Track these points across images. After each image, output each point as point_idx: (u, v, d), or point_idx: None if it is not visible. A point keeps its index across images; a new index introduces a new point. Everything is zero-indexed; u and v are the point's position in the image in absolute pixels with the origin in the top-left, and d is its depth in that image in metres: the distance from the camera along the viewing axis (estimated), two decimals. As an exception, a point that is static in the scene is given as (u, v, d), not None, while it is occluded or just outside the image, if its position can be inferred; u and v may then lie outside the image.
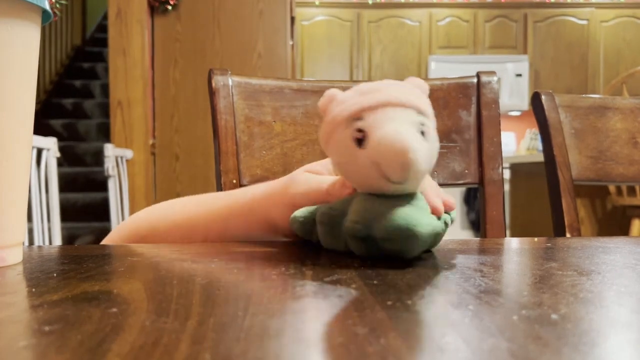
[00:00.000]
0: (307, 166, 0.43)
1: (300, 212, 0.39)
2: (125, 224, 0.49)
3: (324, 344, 0.17)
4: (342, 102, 0.34)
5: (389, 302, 0.22)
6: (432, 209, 0.35)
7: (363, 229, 0.32)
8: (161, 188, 2.41)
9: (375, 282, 0.26)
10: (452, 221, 0.38)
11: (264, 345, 0.17)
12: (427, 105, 0.34)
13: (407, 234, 0.31)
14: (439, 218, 0.35)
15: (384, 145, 0.30)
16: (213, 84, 0.68)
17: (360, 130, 0.32)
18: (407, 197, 0.33)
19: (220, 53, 2.48)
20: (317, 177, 0.41)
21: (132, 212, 2.25)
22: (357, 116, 0.32)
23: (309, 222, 0.38)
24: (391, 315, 0.20)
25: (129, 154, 2.29)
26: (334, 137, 0.34)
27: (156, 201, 2.38)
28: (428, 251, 0.37)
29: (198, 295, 0.24)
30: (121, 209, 2.11)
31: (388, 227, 0.31)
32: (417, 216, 0.31)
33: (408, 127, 0.31)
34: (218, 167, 0.66)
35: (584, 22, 4.46)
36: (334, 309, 0.21)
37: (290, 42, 2.62)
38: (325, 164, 0.43)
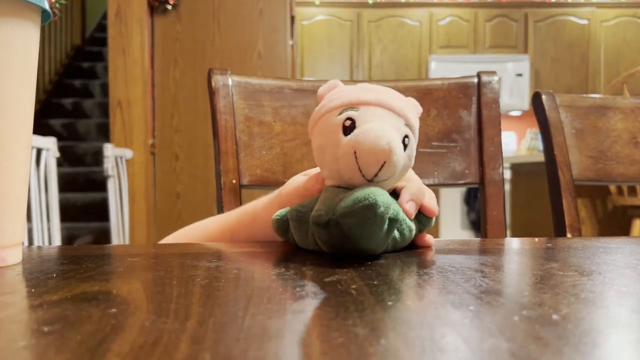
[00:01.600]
0: (306, 171, 0.44)
1: (277, 212, 0.39)
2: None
3: (324, 344, 0.17)
4: (341, 91, 0.35)
5: (389, 303, 0.22)
6: (403, 210, 0.36)
7: (325, 214, 0.33)
8: (161, 188, 2.41)
9: (375, 282, 0.26)
10: (429, 225, 0.38)
11: (264, 345, 0.17)
12: (416, 123, 0.36)
13: (365, 203, 0.30)
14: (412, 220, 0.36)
15: (368, 136, 0.32)
16: (213, 84, 0.68)
17: (350, 119, 0.33)
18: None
19: (220, 53, 2.48)
20: (303, 177, 0.41)
21: (131, 212, 2.25)
22: (352, 106, 0.34)
23: (285, 221, 0.39)
24: (391, 315, 0.20)
25: (128, 153, 2.29)
26: (323, 119, 0.35)
27: (156, 201, 2.38)
28: (403, 250, 0.37)
29: (198, 295, 0.24)
30: (121, 209, 2.11)
31: (347, 201, 0.31)
32: (377, 192, 0.31)
33: (395, 133, 0.33)
34: (218, 167, 0.66)
35: (585, 21, 4.46)
36: (334, 309, 0.21)
37: (290, 42, 2.62)
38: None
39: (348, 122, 0.33)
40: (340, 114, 0.34)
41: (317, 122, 0.36)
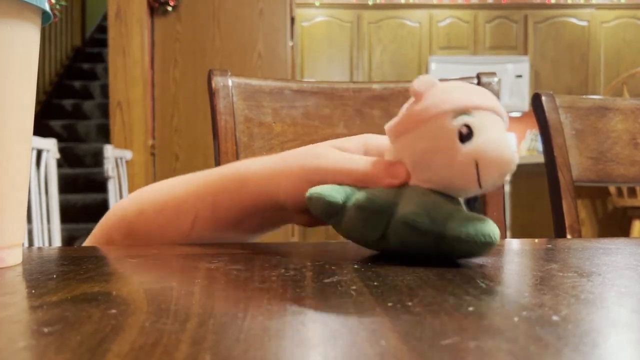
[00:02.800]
0: (333, 141, 0.38)
1: (326, 190, 0.35)
2: (113, 209, 0.45)
3: (324, 345, 0.17)
4: (447, 92, 0.33)
5: (390, 304, 0.22)
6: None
7: (427, 222, 0.31)
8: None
9: (375, 283, 0.26)
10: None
11: (264, 346, 0.17)
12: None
13: (486, 240, 0.30)
14: None
15: (492, 149, 0.31)
16: (213, 85, 0.68)
17: (467, 126, 0.31)
18: (459, 203, 0.34)
19: (220, 53, 2.48)
20: (348, 155, 0.37)
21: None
22: (467, 111, 0.32)
23: (337, 203, 0.34)
24: (392, 316, 0.20)
25: (128, 154, 2.29)
26: (433, 122, 0.32)
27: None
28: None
29: (198, 296, 0.24)
30: (121, 210, 2.12)
31: (468, 228, 0.31)
32: (491, 225, 0.31)
33: (514, 141, 0.32)
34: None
35: (585, 23, 4.46)
36: (334, 311, 0.21)
37: (290, 43, 2.62)
38: (357, 142, 0.39)
39: (465, 130, 0.31)
40: (454, 117, 0.32)
41: (424, 123, 0.33)
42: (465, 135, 0.31)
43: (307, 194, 0.35)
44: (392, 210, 0.33)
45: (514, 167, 0.31)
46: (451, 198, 0.33)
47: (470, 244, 0.30)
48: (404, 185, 0.34)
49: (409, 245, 0.33)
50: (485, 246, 0.31)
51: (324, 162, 0.36)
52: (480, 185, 0.32)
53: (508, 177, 0.34)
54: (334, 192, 0.35)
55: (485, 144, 0.31)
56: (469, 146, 0.31)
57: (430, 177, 0.33)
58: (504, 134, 0.32)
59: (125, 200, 0.45)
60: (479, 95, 0.33)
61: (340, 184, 0.35)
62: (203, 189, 0.40)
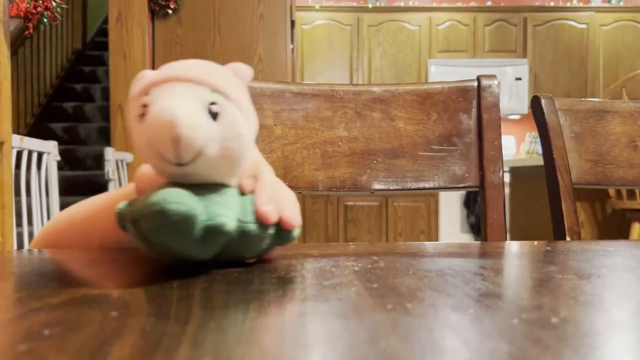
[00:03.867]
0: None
1: (119, 205, 0.33)
2: (43, 228, 0.47)
3: (324, 347, 0.17)
4: (139, 81, 0.31)
5: (389, 306, 0.22)
6: (257, 214, 0.31)
7: (124, 212, 0.29)
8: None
9: (375, 285, 0.26)
10: (290, 239, 0.33)
11: (264, 348, 0.17)
12: (231, 87, 0.31)
13: (155, 208, 0.27)
14: (264, 227, 0.31)
15: (153, 118, 0.28)
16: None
17: (144, 106, 0.29)
18: (207, 188, 0.30)
19: (221, 56, 2.49)
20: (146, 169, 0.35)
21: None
22: (146, 91, 0.30)
23: (121, 213, 0.32)
24: (391, 318, 0.20)
25: (129, 157, 2.29)
26: (130, 117, 0.31)
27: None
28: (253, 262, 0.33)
29: (198, 298, 0.24)
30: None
31: (144, 202, 0.28)
32: (178, 195, 0.27)
33: (190, 103, 0.28)
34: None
35: (584, 26, 4.47)
36: (334, 313, 0.21)
37: (291, 46, 2.63)
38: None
39: (140, 110, 0.29)
40: (135, 102, 0.30)
41: (130, 117, 0.31)
42: (142, 115, 0.29)
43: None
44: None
45: (182, 131, 0.27)
46: (187, 185, 0.29)
47: (144, 217, 0.27)
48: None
49: (141, 245, 0.29)
50: (154, 215, 0.27)
51: (133, 183, 0.36)
52: (168, 161, 0.28)
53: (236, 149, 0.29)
54: (122, 205, 0.32)
55: (149, 118, 0.28)
56: (141, 127, 0.29)
57: (155, 170, 0.31)
58: (167, 101, 0.28)
59: (54, 218, 0.47)
60: (160, 72, 0.30)
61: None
62: (109, 211, 0.41)
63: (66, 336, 0.18)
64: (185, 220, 0.27)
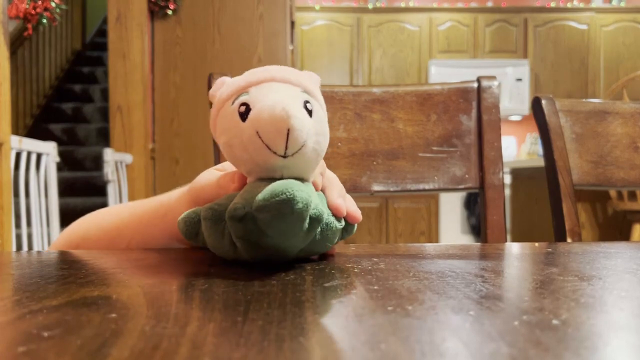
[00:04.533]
0: (221, 164, 0.41)
1: (185, 213, 0.35)
2: (63, 231, 0.49)
3: (324, 349, 0.17)
4: (228, 83, 0.34)
5: (390, 308, 0.22)
6: (332, 207, 0.34)
7: (241, 207, 0.30)
8: (161, 192, 2.42)
9: (375, 287, 0.26)
10: (352, 233, 0.36)
11: (264, 350, 0.17)
12: (316, 90, 0.34)
13: (282, 197, 0.28)
14: (338, 220, 0.34)
15: (264, 112, 0.30)
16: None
17: (245, 104, 0.31)
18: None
19: (220, 57, 2.49)
20: (217, 171, 0.39)
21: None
22: (243, 91, 0.32)
23: (193, 222, 0.35)
24: (391, 320, 0.20)
25: (128, 158, 2.29)
26: (220, 115, 0.33)
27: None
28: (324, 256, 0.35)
29: (197, 300, 0.24)
30: (121, 213, 2.11)
31: (264, 194, 0.29)
32: (296, 186, 0.29)
33: (291, 99, 0.31)
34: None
35: (584, 26, 4.48)
36: (334, 315, 0.21)
37: (290, 47, 2.63)
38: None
39: (242, 108, 0.31)
40: (233, 102, 0.32)
41: (215, 120, 0.34)
42: (245, 113, 0.31)
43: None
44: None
45: (294, 122, 0.29)
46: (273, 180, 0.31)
47: (268, 207, 0.29)
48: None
49: (244, 238, 0.31)
50: (280, 204, 0.28)
51: (197, 181, 0.38)
52: (274, 151, 0.30)
53: (310, 142, 0.31)
54: (190, 213, 0.35)
55: (257, 112, 0.30)
56: (247, 121, 0.31)
57: (244, 168, 0.33)
58: (274, 96, 0.31)
59: (76, 222, 0.49)
60: (256, 74, 0.33)
61: (212, 199, 0.35)
62: (138, 218, 0.44)
63: (65, 338, 0.18)
64: (307, 208, 0.29)
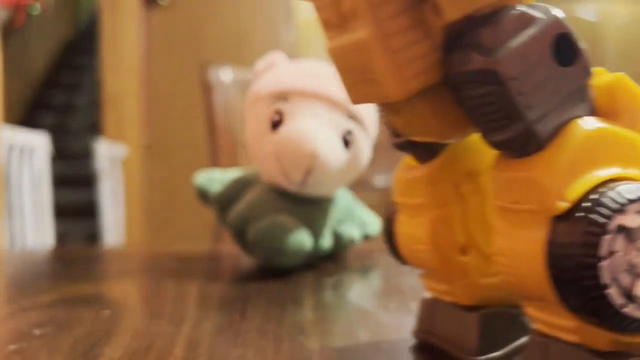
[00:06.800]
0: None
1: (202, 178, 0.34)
2: None
3: (324, 347, 0.16)
4: (278, 73, 0.31)
5: (392, 304, 0.21)
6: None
7: (241, 225, 0.29)
8: (155, 185, 2.40)
9: (377, 284, 0.26)
10: (368, 237, 0.34)
11: (261, 349, 0.16)
12: (366, 112, 0.30)
13: (273, 247, 0.27)
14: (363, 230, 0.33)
15: (292, 142, 0.27)
16: (208, 79, 0.67)
17: (279, 112, 0.29)
18: (306, 203, 0.30)
19: (217, 47, 2.47)
20: None
21: (125, 210, 2.24)
22: (283, 96, 0.29)
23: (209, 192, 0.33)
24: (393, 317, 0.20)
25: (121, 150, 2.27)
26: (256, 108, 0.30)
27: (150, 198, 2.36)
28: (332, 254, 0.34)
29: (193, 297, 0.23)
30: (114, 208, 2.10)
31: (259, 232, 0.28)
32: (293, 230, 0.28)
33: (327, 130, 0.28)
34: (214, 164, 0.66)
35: (594, 19, 4.48)
36: (334, 312, 0.21)
37: (290, 36, 2.61)
38: None
39: (276, 117, 0.29)
40: (270, 104, 0.30)
41: (252, 106, 0.31)
42: (277, 123, 0.29)
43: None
44: (231, 203, 0.31)
45: (318, 164, 0.27)
46: (290, 198, 0.30)
47: (260, 248, 0.28)
48: (257, 180, 0.31)
49: (240, 245, 0.30)
50: (271, 252, 0.27)
51: None
52: (293, 183, 0.28)
53: (322, 177, 0.29)
54: (203, 179, 0.34)
55: (285, 136, 0.28)
56: (274, 136, 0.29)
57: (261, 169, 0.31)
58: (310, 123, 0.28)
59: None
60: (305, 78, 0.30)
61: None
62: None
63: (57, 336, 0.17)
64: (299, 253, 0.28)
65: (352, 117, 0.30)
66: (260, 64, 0.32)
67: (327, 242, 0.30)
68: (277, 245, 0.27)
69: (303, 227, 0.28)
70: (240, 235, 0.29)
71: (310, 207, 0.30)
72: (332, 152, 0.28)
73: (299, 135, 0.27)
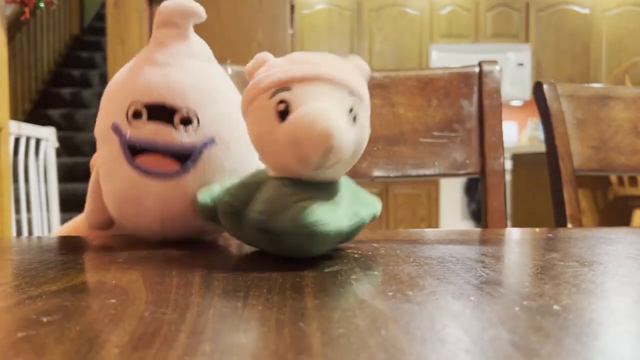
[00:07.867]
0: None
1: (202, 194, 0.35)
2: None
3: (325, 335, 0.17)
4: (271, 67, 0.31)
5: (390, 293, 0.22)
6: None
7: (268, 220, 0.29)
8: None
9: (375, 272, 0.26)
10: (374, 218, 0.35)
11: (264, 336, 0.17)
12: (362, 88, 0.31)
13: (306, 231, 0.27)
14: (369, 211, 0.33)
15: (306, 123, 0.27)
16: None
17: (284, 102, 0.29)
18: (322, 188, 0.30)
19: (219, 42, 2.46)
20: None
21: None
22: (284, 85, 0.29)
23: (211, 209, 0.34)
24: (392, 306, 0.20)
25: (128, 144, 2.28)
26: (256, 104, 0.30)
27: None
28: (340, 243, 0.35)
29: (197, 285, 0.24)
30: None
31: (291, 220, 0.28)
32: (324, 212, 0.28)
33: (337, 108, 0.28)
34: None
35: (587, 11, 4.43)
36: (334, 300, 0.21)
37: (290, 31, 2.60)
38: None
39: (282, 107, 0.29)
40: (272, 96, 0.29)
41: (248, 107, 0.31)
42: (283, 112, 0.29)
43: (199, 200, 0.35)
44: (245, 209, 0.31)
45: (336, 142, 0.27)
46: (306, 185, 0.30)
47: (294, 236, 0.28)
48: (267, 178, 0.32)
49: (265, 245, 0.30)
50: (307, 237, 0.27)
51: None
52: (310, 165, 0.28)
53: (346, 158, 0.29)
54: (207, 196, 0.35)
55: (297, 120, 0.28)
56: (285, 124, 0.28)
57: (272, 163, 0.31)
58: (321, 105, 0.28)
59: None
60: (301, 66, 0.30)
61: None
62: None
63: (64, 324, 0.18)
64: (331, 236, 0.28)
65: (353, 93, 0.30)
66: (249, 64, 0.32)
67: (348, 224, 0.30)
68: (319, 229, 0.27)
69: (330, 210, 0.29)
70: (264, 233, 0.29)
71: (326, 192, 0.30)
72: (345, 130, 0.28)
73: (314, 115, 0.27)
